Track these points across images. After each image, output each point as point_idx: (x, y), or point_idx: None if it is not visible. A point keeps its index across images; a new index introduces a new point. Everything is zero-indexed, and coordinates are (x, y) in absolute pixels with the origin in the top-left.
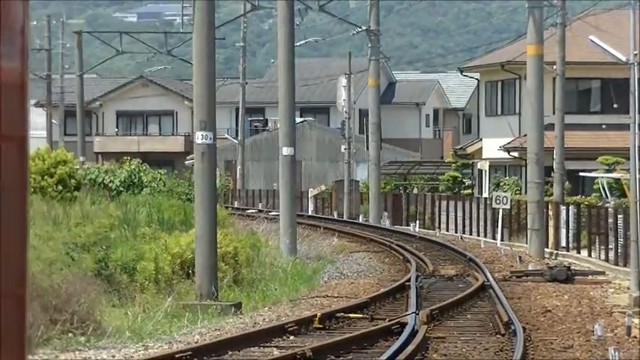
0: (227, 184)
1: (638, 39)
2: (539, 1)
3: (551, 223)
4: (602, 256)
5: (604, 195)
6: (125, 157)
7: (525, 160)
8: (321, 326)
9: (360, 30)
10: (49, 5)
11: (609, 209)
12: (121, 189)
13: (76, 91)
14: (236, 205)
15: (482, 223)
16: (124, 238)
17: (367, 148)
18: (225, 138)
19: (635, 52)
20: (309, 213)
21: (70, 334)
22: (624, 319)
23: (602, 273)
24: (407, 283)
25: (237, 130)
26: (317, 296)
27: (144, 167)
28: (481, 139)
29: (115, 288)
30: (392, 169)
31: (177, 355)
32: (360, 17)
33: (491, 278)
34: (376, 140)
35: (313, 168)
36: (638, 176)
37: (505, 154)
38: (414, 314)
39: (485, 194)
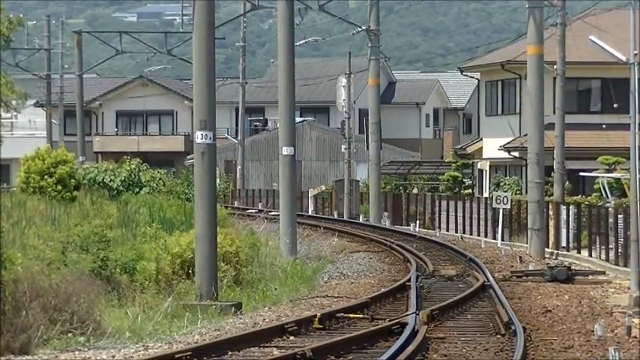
0: (227, 186)
1: (638, 39)
2: (540, 1)
3: (551, 223)
4: (603, 256)
5: (604, 195)
6: (125, 157)
7: (526, 160)
8: (321, 326)
9: (360, 30)
10: (48, 5)
11: (609, 209)
12: (121, 189)
13: (75, 90)
14: (236, 205)
15: (482, 223)
16: (124, 238)
17: (367, 148)
18: (225, 138)
19: (635, 52)
20: (309, 213)
21: (70, 334)
22: (624, 319)
23: (603, 273)
24: (407, 283)
25: (237, 130)
26: (317, 296)
27: (144, 167)
28: (481, 139)
29: (114, 288)
30: (392, 169)
31: (177, 356)
32: (360, 17)
33: (491, 278)
34: (376, 140)
35: (313, 168)
36: (638, 176)
37: (505, 154)
38: (414, 314)
39: (486, 194)
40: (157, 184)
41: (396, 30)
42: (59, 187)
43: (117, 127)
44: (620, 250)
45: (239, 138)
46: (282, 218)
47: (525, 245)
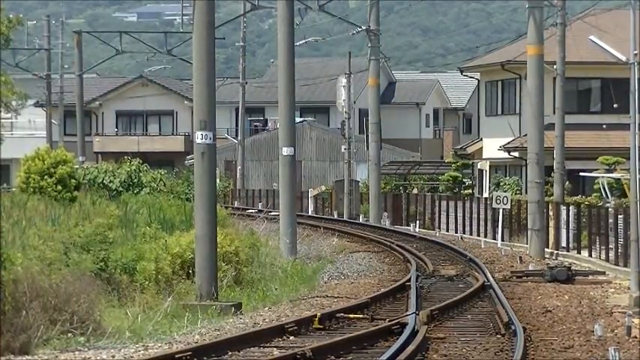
0: (227, 185)
1: (638, 39)
2: (540, 1)
3: (551, 223)
4: (603, 256)
5: (604, 195)
6: (125, 157)
7: (525, 160)
8: (321, 326)
9: (360, 30)
10: (48, 5)
11: (609, 209)
12: (121, 189)
13: (75, 90)
14: (236, 205)
15: (482, 223)
16: (124, 238)
17: (367, 148)
18: (225, 138)
19: (635, 52)
20: (309, 213)
21: (70, 334)
22: (624, 319)
23: (603, 273)
24: (407, 283)
25: (237, 130)
26: (317, 296)
27: (144, 167)
28: (481, 139)
29: (114, 288)
30: (392, 169)
31: (177, 356)
32: (360, 17)
33: (491, 278)
34: (376, 140)
35: (313, 168)
36: (638, 176)
37: (505, 154)
38: (414, 314)
39: (486, 194)
40: (157, 185)
41: (396, 30)
42: (59, 187)
43: (117, 128)
44: (620, 250)
45: (239, 138)
46: (282, 218)
47: (525, 245)
